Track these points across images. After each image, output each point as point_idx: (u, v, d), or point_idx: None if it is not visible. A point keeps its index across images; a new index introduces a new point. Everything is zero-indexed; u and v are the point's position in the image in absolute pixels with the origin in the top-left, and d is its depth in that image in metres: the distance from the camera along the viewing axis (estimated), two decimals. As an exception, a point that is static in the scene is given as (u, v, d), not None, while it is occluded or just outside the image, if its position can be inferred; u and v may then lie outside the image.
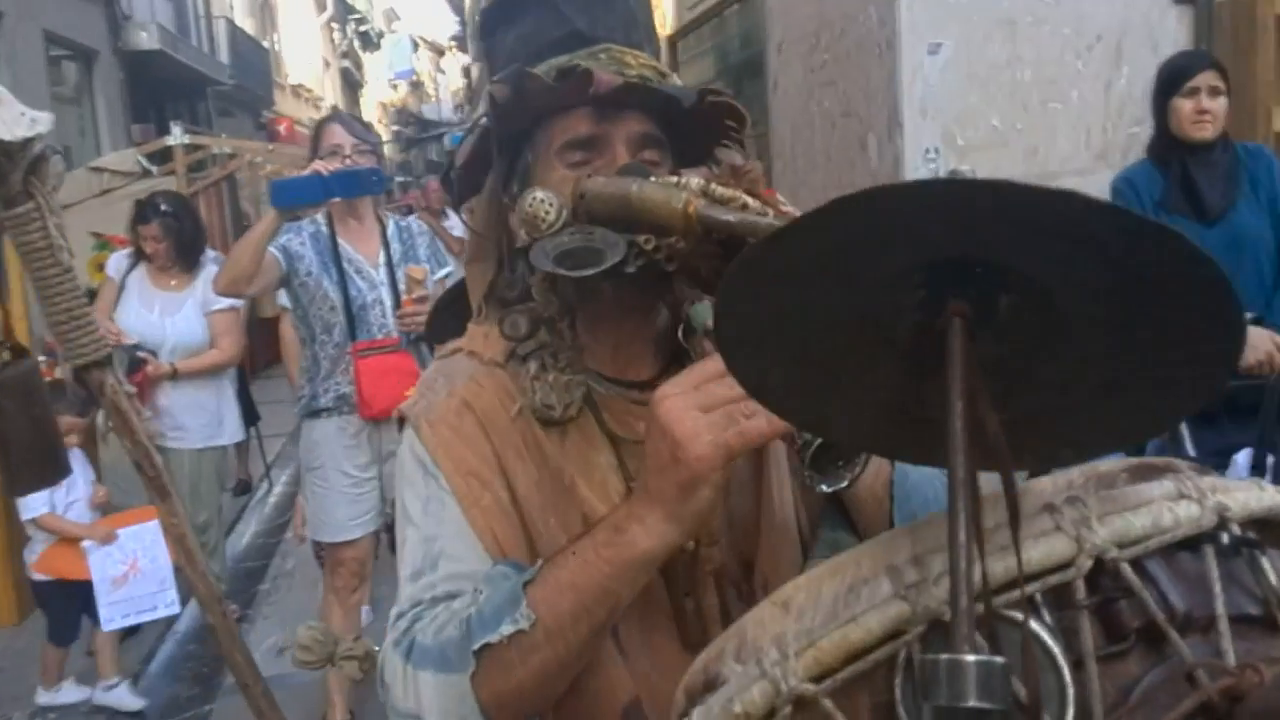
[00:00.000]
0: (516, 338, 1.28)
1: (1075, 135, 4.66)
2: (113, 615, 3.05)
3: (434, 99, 55.85)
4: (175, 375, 4.52)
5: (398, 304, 3.77)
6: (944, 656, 0.52)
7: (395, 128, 52.02)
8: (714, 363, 1.04)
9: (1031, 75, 4.61)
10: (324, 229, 3.81)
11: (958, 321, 0.55)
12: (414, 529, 1.23)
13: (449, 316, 2.11)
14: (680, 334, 1.26)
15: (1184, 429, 3.16)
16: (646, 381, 1.34)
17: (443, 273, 4.01)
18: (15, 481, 1.66)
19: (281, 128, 22.68)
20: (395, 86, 52.77)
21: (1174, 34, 4.70)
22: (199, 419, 4.58)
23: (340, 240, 3.79)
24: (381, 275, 3.82)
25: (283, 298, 5.10)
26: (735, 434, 1.00)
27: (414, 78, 52.67)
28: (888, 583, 0.63)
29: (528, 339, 1.28)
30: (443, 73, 57.97)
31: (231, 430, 4.98)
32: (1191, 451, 3.12)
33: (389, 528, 3.99)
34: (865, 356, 0.62)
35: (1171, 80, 3.65)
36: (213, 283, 4.08)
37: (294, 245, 3.74)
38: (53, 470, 1.68)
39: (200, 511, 4.61)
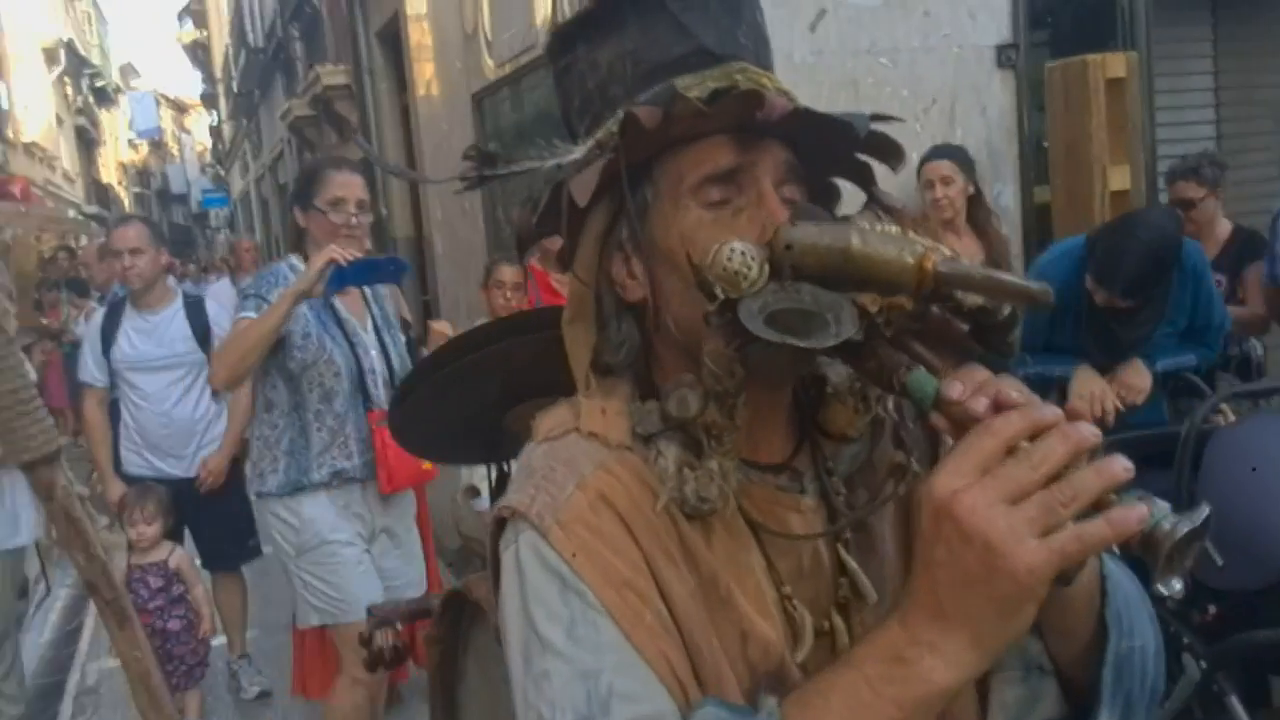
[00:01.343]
0: (686, 418, 1.05)
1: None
2: None
3: (178, 159, 52.97)
4: (-38, 470, 3.87)
5: (390, 370, 3.44)
6: None
7: (136, 190, 48.99)
8: (988, 438, 0.85)
9: (875, 135, 4.71)
10: None
11: None
12: (561, 661, 0.95)
13: (426, 391, 1.78)
14: (890, 406, 1.07)
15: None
16: (781, 464, 1.14)
17: None
18: None
19: (16, 189, 20.75)
20: (136, 146, 49.72)
21: (999, 98, 4.94)
22: (-8, 518, 3.94)
23: (334, 300, 3.37)
24: (372, 339, 3.47)
25: (89, 372, 4.56)
26: (1072, 538, 0.81)
27: (159, 136, 49.80)
28: None
29: (695, 419, 1.05)
30: (188, 132, 55.10)
31: (28, 528, 4.29)
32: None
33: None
34: None
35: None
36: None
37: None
38: None
39: (-6, 623, 3.97)
